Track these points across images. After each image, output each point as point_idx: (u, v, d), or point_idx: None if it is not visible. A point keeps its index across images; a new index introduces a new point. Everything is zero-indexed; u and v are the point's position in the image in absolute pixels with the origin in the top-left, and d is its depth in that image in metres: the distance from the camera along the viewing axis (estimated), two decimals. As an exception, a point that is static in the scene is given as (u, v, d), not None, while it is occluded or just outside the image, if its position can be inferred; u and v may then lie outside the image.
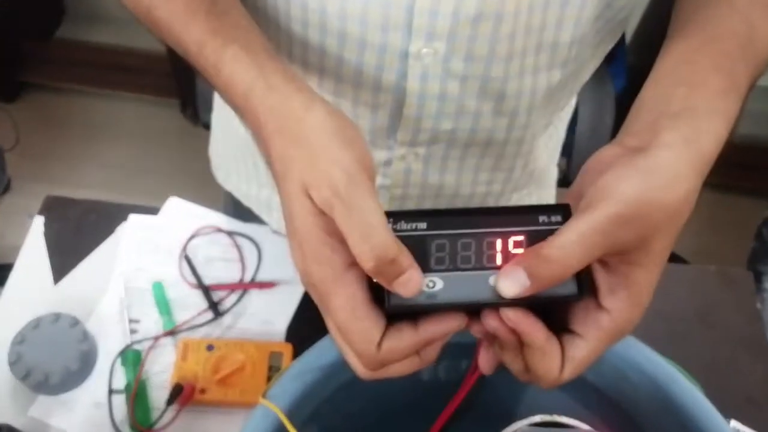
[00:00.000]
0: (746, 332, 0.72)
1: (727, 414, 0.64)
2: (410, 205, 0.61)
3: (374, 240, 0.30)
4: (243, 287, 0.70)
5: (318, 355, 0.41)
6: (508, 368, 0.35)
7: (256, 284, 0.70)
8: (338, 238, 0.31)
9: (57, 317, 0.63)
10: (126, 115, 1.96)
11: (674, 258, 1.74)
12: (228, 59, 0.37)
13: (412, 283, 0.30)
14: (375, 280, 0.31)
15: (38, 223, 0.74)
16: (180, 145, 1.84)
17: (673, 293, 0.74)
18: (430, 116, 0.51)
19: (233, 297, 0.69)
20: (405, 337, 0.31)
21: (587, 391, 0.45)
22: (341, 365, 0.41)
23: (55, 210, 0.75)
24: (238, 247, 0.72)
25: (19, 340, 0.61)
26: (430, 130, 0.53)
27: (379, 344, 0.31)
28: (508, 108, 0.52)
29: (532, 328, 0.31)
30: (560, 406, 0.41)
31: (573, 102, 0.67)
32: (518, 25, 0.44)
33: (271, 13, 0.48)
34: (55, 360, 0.61)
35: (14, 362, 0.60)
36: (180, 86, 1.83)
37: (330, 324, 0.33)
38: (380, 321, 0.32)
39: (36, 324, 0.62)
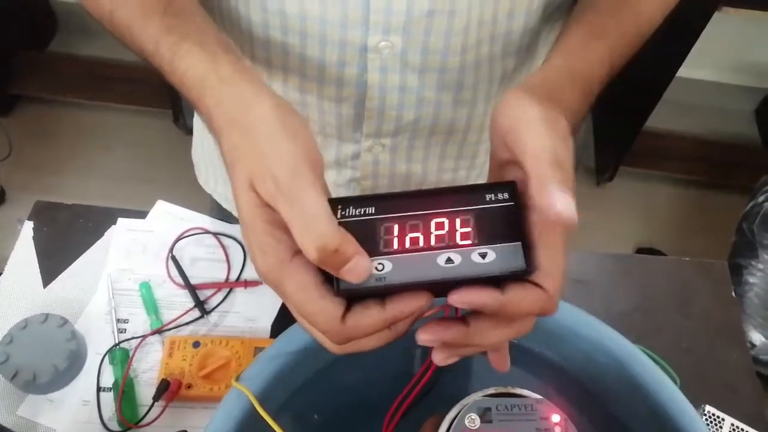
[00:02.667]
0: (722, 321, 0.73)
1: (704, 400, 0.65)
2: None
3: (315, 231, 0.30)
4: (228, 286, 0.71)
5: (288, 340, 0.42)
6: (496, 345, 0.35)
7: (241, 283, 0.71)
8: (283, 228, 0.32)
9: (45, 317, 0.64)
10: (118, 126, 1.98)
11: (654, 252, 1.76)
12: (182, 54, 0.38)
13: (359, 269, 0.31)
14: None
15: (27, 228, 0.75)
16: (172, 154, 1.86)
17: (650, 284, 0.76)
18: (393, 107, 0.53)
19: (219, 296, 0.70)
20: (371, 313, 0.32)
21: (556, 374, 0.46)
22: (312, 351, 0.42)
23: (45, 215, 0.76)
24: (224, 248, 0.74)
25: (8, 340, 0.62)
26: (394, 121, 0.55)
27: (344, 319, 0.32)
28: (467, 97, 0.54)
29: (485, 295, 0.31)
30: (530, 389, 0.42)
31: None
32: (471, 19, 0.46)
33: (233, 17, 0.49)
34: (43, 359, 0.62)
35: (2, 362, 0.61)
36: (172, 97, 1.85)
37: (291, 308, 0.34)
38: (338, 298, 0.32)
39: (24, 324, 0.64)
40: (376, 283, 0.31)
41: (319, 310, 0.32)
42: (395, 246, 0.32)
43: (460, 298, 0.31)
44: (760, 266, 1.33)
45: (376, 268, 0.32)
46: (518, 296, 0.31)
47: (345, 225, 0.32)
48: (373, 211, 0.32)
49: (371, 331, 0.32)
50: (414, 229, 0.32)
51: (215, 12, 0.51)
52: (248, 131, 0.34)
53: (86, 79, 1.98)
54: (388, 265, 0.32)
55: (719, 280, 0.77)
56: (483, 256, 0.32)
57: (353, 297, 0.32)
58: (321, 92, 0.52)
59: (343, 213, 0.33)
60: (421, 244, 0.32)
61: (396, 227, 0.32)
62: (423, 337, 0.34)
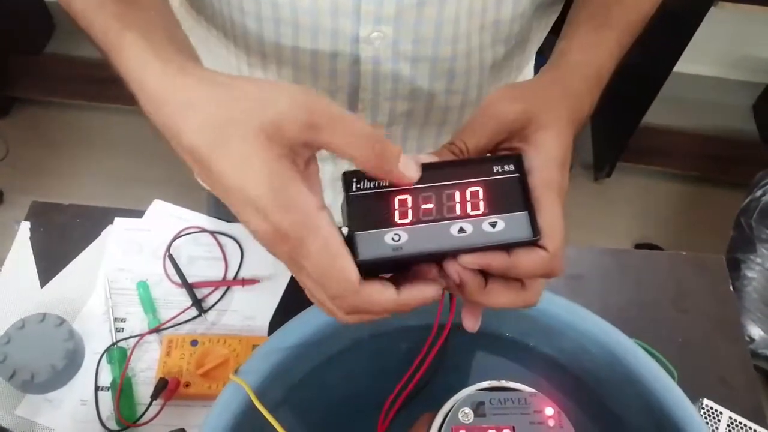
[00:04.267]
0: (719, 315, 0.73)
1: (702, 394, 0.65)
2: None
3: (369, 137, 0.31)
4: (226, 284, 0.71)
5: (286, 335, 0.42)
6: (503, 307, 0.36)
7: (238, 281, 0.71)
8: (306, 182, 0.32)
9: (43, 317, 0.64)
10: (114, 126, 1.98)
11: (651, 246, 1.76)
12: (127, 44, 0.36)
13: (411, 164, 0.32)
14: (346, 234, 0.32)
15: (24, 228, 0.75)
16: (168, 154, 1.83)
17: (647, 279, 0.76)
18: (386, 98, 0.53)
19: (217, 294, 0.70)
20: (387, 295, 0.32)
21: (551, 368, 0.47)
22: (309, 347, 0.42)
23: (42, 216, 0.76)
24: (221, 246, 0.74)
25: (5, 340, 0.62)
26: (388, 112, 0.55)
27: (360, 287, 0.32)
28: (459, 86, 0.54)
29: (493, 256, 0.33)
30: (524, 383, 0.42)
31: (528, 73, 0.68)
32: (461, 8, 0.47)
33: (225, 10, 0.49)
34: (41, 359, 0.62)
35: (0, 362, 0.61)
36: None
37: (303, 277, 0.33)
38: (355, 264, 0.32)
39: (22, 324, 0.63)
40: (394, 253, 0.33)
41: (338, 270, 0.31)
42: (410, 217, 0.33)
43: (472, 260, 0.33)
44: (759, 261, 1.33)
45: (392, 239, 0.33)
46: (523, 257, 0.33)
47: (361, 197, 0.33)
48: (387, 183, 0.33)
49: (380, 311, 0.33)
50: (427, 200, 0.33)
51: (206, 6, 0.51)
52: (238, 95, 0.32)
53: (83, 81, 1.98)
54: (404, 236, 0.33)
55: (716, 275, 0.77)
56: (493, 225, 0.33)
57: (371, 267, 0.33)
58: (314, 83, 0.52)
59: (359, 186, 0.34)
60: (434, 214, 0.33)
61: (410, 199, 0.33)
62: (465, 259, 0.34)
